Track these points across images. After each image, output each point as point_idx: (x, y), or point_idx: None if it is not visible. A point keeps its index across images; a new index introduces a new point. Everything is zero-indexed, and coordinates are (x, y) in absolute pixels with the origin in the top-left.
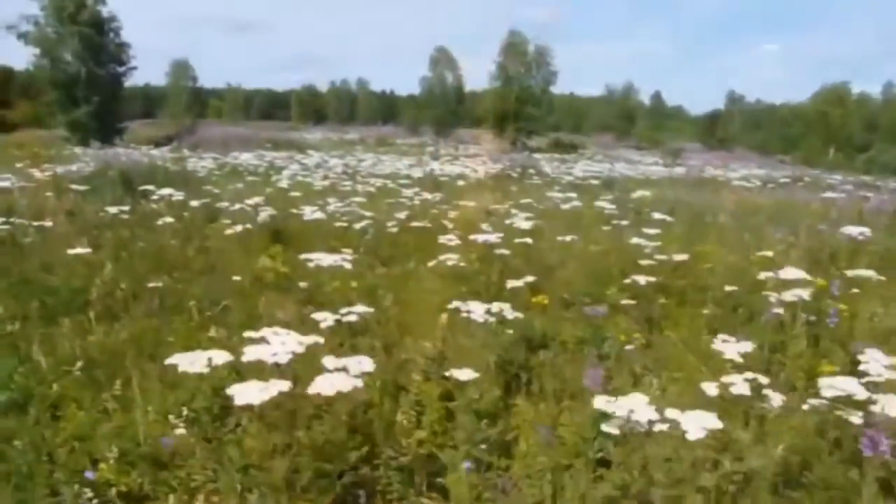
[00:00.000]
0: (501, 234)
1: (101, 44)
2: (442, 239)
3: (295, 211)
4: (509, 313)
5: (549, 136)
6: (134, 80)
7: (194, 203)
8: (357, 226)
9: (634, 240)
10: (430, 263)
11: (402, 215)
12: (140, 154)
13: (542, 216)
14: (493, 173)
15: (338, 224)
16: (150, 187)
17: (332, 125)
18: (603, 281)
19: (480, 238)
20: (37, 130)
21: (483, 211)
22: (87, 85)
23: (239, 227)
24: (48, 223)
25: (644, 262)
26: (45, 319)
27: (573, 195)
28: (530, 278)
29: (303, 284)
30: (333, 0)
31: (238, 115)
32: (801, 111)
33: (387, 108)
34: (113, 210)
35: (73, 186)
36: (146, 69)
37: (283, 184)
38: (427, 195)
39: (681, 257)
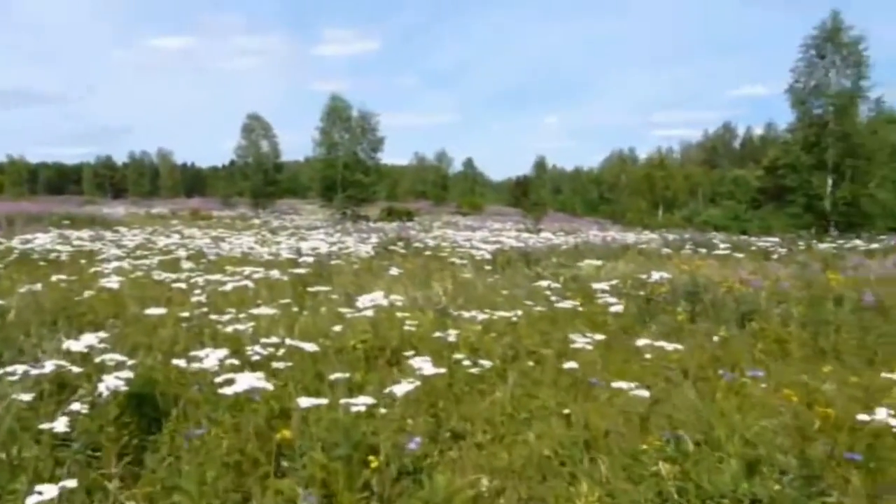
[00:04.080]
0: None
1: None
2: None
3: (181, 363)
4: None
5: (378, 204)
6: None
7: None
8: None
9: None
10: None
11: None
12: None
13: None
14: (371, 249)
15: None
16: None
17: (134, 199)
18: None
19: None
20: None
21: (470, 322)
22: None
23: (57, 424)
24: None
25: None
26: None
27: (550, 283)
28: None
29: None
30: (124, 71)
31: (21, 190)
32: (596, 176)
33: (191, 181)
34: None
35: None
36: None
37: (113, 283)
38: (403, 300)
39: None
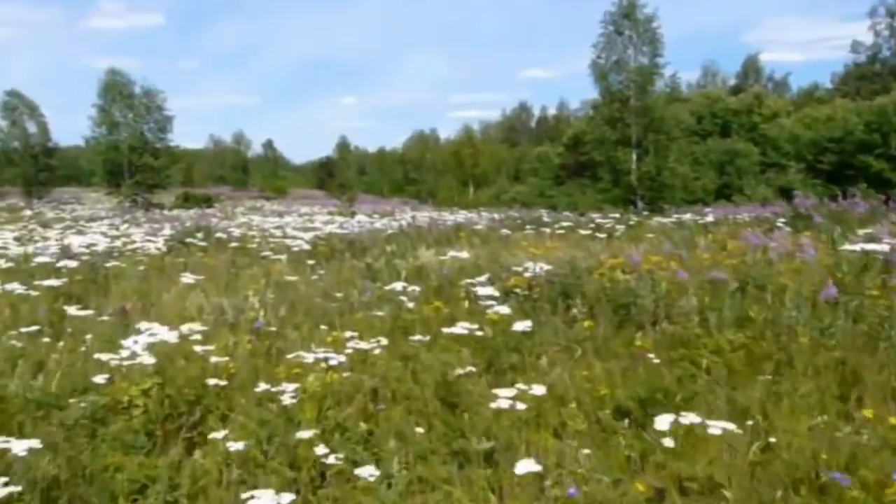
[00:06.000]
0: None
1: None
2: None
3: None
4: None
5: (173, 191)
6: None
7: None
8: None
9: None
10: None
11: None
12: None
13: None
14: (162, 243)
15: None
16: None
17: None
18: None
19: None
20: None
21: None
22: None
23: None
24: None
25: None
26: None
27: (406, 286)
28: None
29: None
30: None
31: None
32: (401, 156)
33: None
34: None
35: None
36: None
37: None
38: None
39: None
